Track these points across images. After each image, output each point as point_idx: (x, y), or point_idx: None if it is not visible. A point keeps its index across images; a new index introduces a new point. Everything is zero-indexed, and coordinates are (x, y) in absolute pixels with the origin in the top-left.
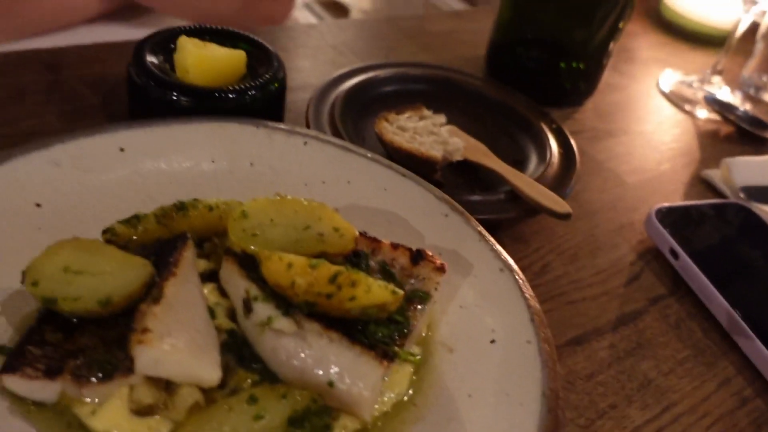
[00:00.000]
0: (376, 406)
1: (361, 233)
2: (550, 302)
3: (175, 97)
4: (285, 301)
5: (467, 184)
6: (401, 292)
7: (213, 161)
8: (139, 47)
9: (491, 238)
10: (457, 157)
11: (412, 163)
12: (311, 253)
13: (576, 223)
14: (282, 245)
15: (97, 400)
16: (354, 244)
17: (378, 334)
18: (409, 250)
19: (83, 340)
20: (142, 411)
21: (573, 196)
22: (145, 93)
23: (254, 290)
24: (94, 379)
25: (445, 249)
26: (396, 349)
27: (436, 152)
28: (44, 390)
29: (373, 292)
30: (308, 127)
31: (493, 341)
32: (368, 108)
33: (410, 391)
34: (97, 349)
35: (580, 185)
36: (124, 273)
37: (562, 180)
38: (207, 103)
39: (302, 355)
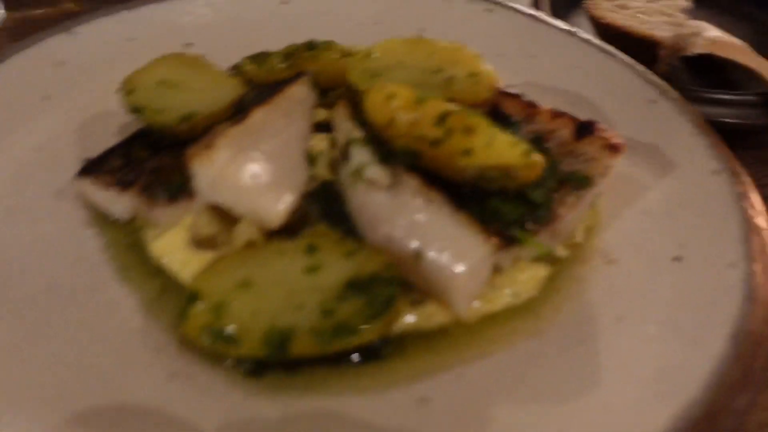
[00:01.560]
0: (477, 303)
1: (514, 94)
2: None
3: None
4: (386, 149)
5: (706, 85)
6: (539, 157)
7: (375, 23)
8: None
9: (712, 133)
10: (698, 49)
11: (628, 44)
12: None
13: None
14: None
15: (166, 223)
16: (489, 94)
17: (501, 211)
18: (574, 119)
19: (165, 161)
20: (202, 243)
21: None
22: None
23: (354, 133)
24: (161, 198)
25: (642, 142)
26: (520, 233)
27: (663, 33)
28: (116, 202)
29: (496, 147)
30: None
31: (677, 258)
32: None
33: (536, 299)
34: (174, 171)
35: None
36: (214, 91)
37: None
38: None
39: (391, 215)
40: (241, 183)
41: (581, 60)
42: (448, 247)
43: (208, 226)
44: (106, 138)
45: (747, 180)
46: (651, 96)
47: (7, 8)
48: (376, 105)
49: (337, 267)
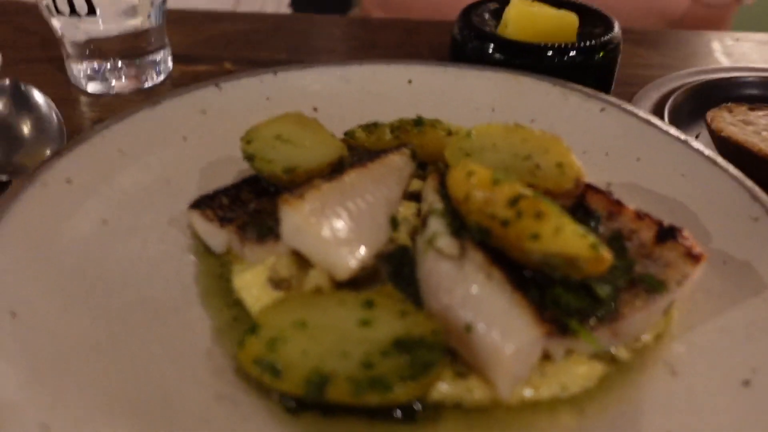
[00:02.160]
0: (522, 388)
1: (601, 191)
2: None
3: (489, 50)
4: (460, 223)
5: None
6: (606, 252)
7: (493, 110)
8: (474, 4)
9: None
10: None
11: (746, 161)
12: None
13: None
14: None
15: (253, 261)
16: (572, 185)
17: (562, 299)
18: (658, 223)
19: (264, 205)
20: (278, 283)
21: None
22: (462, 43)
23: (436, 204)
24: (251, 237)
25: (735, 258)
26: (575, 324)
27: None
28: (216, 235)
29: (564, 235)
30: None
31: (746, 382)
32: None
33: (586, 395)
34: (269, 215)
35: None
36: (319, 150)
37: None
38: (520, 59)
39: (452, 285)
40: (320, 234)
41: (687, 168)
42: (499, 324)
43: (286, 269)
44: (225, 179)
45: None
46: (755, 214)
47: (175, 62)
48: (456, 180)
49: (389, 325)
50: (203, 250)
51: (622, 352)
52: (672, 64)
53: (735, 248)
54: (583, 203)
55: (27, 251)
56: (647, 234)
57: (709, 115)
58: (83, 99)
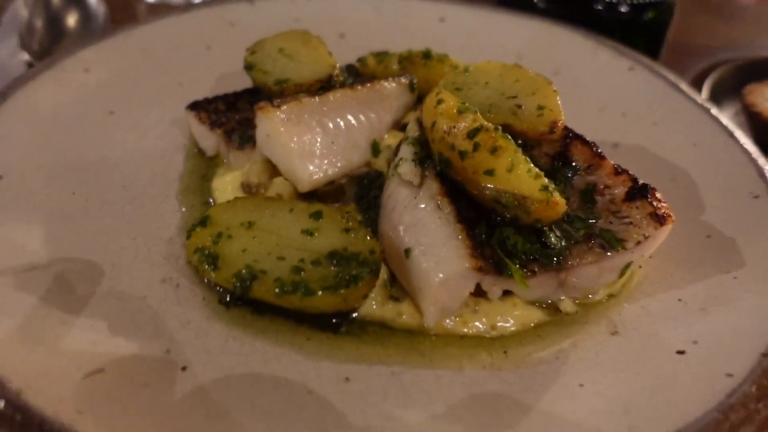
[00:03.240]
0: (450, 320)
1: (589, 142)
2: None
3: None
4: (426, 152)
5: None
6: (559, 198)
7: (519, 56)
8: None
9: None
10: None
11: None
12: (497, 122)
13: None
14: (476, 105)
15: (235, 166)
16: (547, 129)
17: (509, 240)
18: (634, 180)
19: (252, 115)
20: (249, 188)
21: None
22: None
23: (412, 132)
24: (234, 143)
25: (723, 233)
26: (511, 265)
27: None
28: (206, 138)
29: (517, 173)
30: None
31: (682, 353)
32: None
33: (513, 339)
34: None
35: None
36: (312, 67)
37: None
38: (566, 9)
39: (404, 210)
40: (288, 143)
41: (701, 137)
42: (434, 254)
43: (257, 175)
44: (239, 86)
45: None
46: (758, 191)
47: None
48: (426, 107)
49: (330, 237)
50: (196, 152)
51: (568, 305)
52: (738, 38)
53: (725, 224)
54: (565, 152)
55: (29, 125)
56: (620, 190)
57: (747, 89)
58: (141, 8)
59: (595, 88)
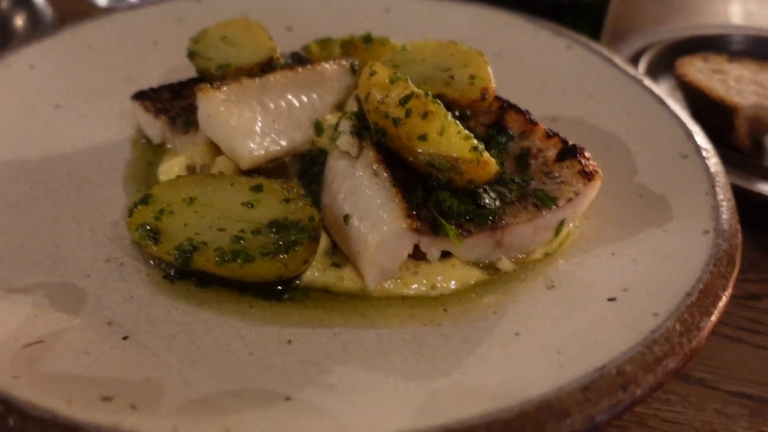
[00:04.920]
0: (390, 282)
1: (522, 110)
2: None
3: None
4: (364, 124)
5: None
6: (488, 157)
7: (463, 42)
8: None
9: (730, 197)
10: None
11: (708, 106)
12: (432, 93)
13: None
14: (412, 80)
15: (181, 151)
16: (478, 95)
17: (445, 203)
18: (564, 142)
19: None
20: (194, 170)
21: None
22: None
23: (350, 107)
24: (179, 129)
25: (654, 192)
26: (446, 225)
27: (742, 100)
28: (151, 126)
29: (447, 136)
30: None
31: (612, 299)
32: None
33: (453, 297)
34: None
35: None
36: (253, 51)
37: None
38: None
39: (343, 180)
40: (228, 122)
41: (635, 106)
42: (371, 217)
43: (201, 157)
44: (186, 77)
45: (735, 243)
46: (686, 151)
47: None
48: (362, 81)
49: (270, 208)
50: (143, 141)
51: (506, 264)
52: (671, 19)
53: (656, 183)
54: (500, 120)
55: None
56: (553, 153)
57: (679, 62)
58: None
59: (535, 67)
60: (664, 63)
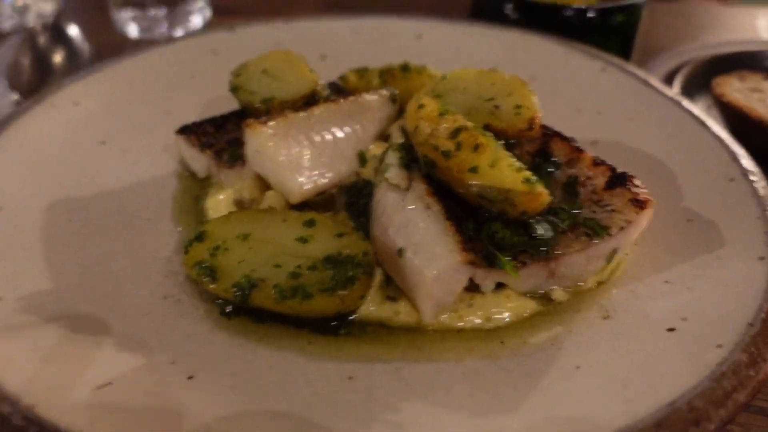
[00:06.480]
0: (446, 315)
1: (567, 138)
2: None
3: (507, 10)
4: (412, 156)
5: None
6: (542, 189)
7: (494, 64)
8: None
9: None
10: None
11: (748, 127)
12: (478, 123)
13: None
14: (456, 110)
15: (227, 185)
16: (525, 126)
17: (497, 234)
18: (612, 170)
19: (241, 134)
20: (242, 205)
21: None
22: (481, 3)
23: (396, 139)
24: (225, 163)
25: (704, 216)
26: (502, 258)
27: None
28: (196, 160)
29: (500, 168)
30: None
31: (672, 330)
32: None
33: (510, 329)
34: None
35: None
36: (295, 84)
37: None
38: (538, 19)
39: (394, 213)
40: (277, 157)
41: (675, 128)
42: (426, 250)
43: (249, 191)
44: (225, 111)
45: None
46: (732, 175)
47: (215, 13)
48: (409, 113)
49: (324, 242)
50: (188, 175)
51: (559, 294)
52: (702, 37)
53: (704, 207)
54: (545, 148)
55: (22, 158)
56: (601, 180)
57: (715, 81)
58: (126, 43)
59: (571, 90)
60: (698, 82)
